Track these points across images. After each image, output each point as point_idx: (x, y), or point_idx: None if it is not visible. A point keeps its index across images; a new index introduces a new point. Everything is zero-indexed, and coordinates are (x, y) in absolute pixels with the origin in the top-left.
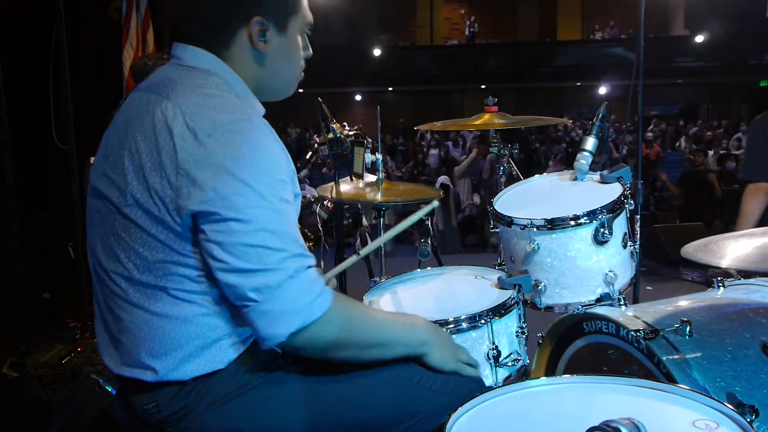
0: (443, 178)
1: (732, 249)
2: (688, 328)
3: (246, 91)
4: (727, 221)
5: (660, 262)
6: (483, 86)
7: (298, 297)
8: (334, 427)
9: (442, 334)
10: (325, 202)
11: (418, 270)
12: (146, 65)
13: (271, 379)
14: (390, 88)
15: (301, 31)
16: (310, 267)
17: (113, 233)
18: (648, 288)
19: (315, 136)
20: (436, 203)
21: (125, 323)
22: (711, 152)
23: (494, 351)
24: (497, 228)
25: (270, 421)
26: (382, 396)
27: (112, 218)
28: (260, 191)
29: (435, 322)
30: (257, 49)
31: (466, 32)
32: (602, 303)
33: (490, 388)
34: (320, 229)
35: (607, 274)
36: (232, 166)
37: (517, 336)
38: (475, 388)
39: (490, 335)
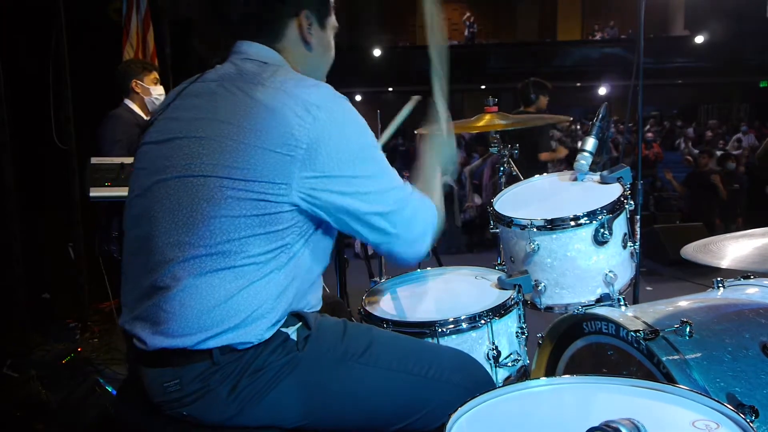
0: (445, 178)
1: (732, 249)
2: (687, 329)
3: None
4: (727, 221)
5: (660, 263)
6: (483, 86)
7: (426, 220)
8: (343, 417)
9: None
10: None
11: (418, 270)
12: (129, 68)
13: (283, 364)
14: (390, 88)
15: (331, 31)
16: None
17: (190, 203)
18: (648, 288)
19: None
20: (417, 97)
21: (173, 291)
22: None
23: (494, 351)
24: (497, 228)
25: (276, 407)
26: (391, 388)
27: (190, 190)
28: (368, 147)
29: (435, 322)
30: (307, 41)
31: (466, 32)
32: (602, 303)
33: (493, 387)
34: None
35: (607, 274)
36: (347, 129)
37: (517, 336)
38: (484, 381)
39: (490, 335)
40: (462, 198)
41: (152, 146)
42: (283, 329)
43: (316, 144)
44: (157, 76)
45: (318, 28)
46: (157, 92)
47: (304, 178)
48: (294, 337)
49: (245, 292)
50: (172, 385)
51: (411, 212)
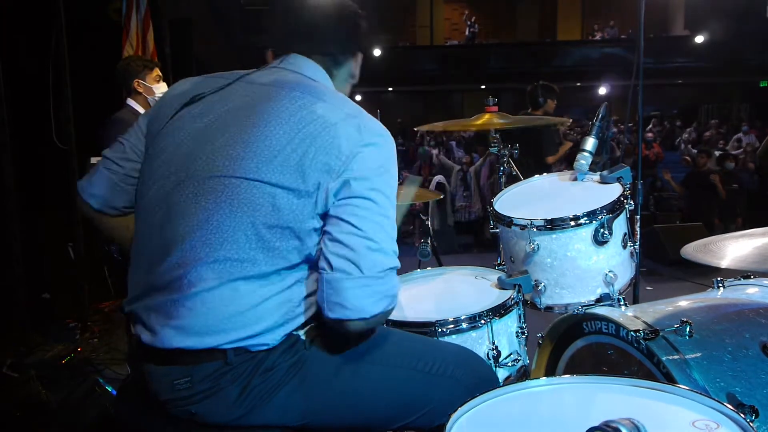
0: (439, 178)
1: (732, 249)
2: (687, 329)
3: None
4: (726, 221)
5: (660, 262)
6: (483, 86)
7: (394, 285)
8: (347, 415)
9: None
10: None
11: (418, 270)
12: (129, 66)
13: (292, 363)
14: (390, 88)
15: None
16: None
17: (228, 205)
18: (648, 288)
19: None
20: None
21: (197, 289)
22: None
23: (494, 351)
24: (497, 228)
25: (283, 406)
26: (395, 385)
27: (229, 191)
28: (393, 189)
29: (435, 322)
30: (354, 77)
31: (467, 32)
32: (602, 303)
33: (497, 383)
34: None
35: (607, 274)
36: (386, 164)
37: (517, 336)
38: (488, 377)
39: (490, 335)
40: (468, 198)
41: (182, 137)
42: (295, 332)
43: (353, 156)
44: (160, 73)
45: (357, 65)
46: (161, 90)
47: (332, 184)
48: (303, 337)
49: (270, 301)
50: (182, 382)
51: (390, 267)
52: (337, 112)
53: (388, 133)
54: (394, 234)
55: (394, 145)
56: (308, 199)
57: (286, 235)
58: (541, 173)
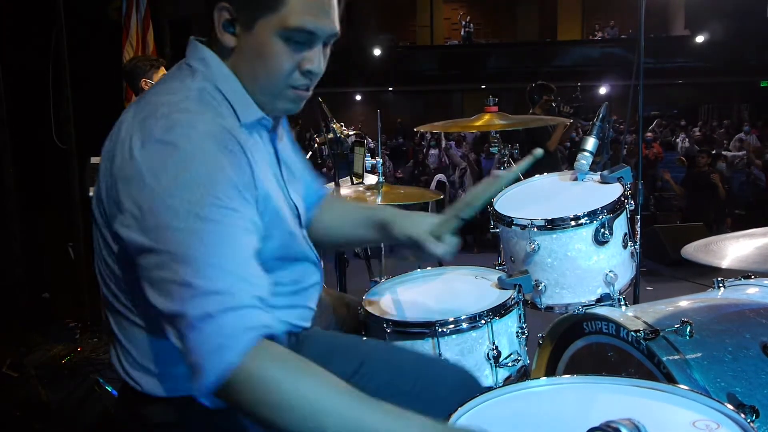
0: (439, 176)
1: (732, 249)
2: (688, 329)
3: (235, 89)
4: (717, 221)
5: (660, 262)
6: (483, 86)
7: (203, 346)
8: None
9: None
10: None
11: (418, 270)
12: (136, 66)
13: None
14: (390, 88)
15: (282, 36)
16: (237, 308)
17: (97, 243)
18: (648, 288)
19: (315, 136)
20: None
21: (114, 329)
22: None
23: (494, 351)
24: (497, 228)
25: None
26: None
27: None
28: (176, 208)
29: (435, 322)
30: (221, 40)
31: (462, 32)
32: (602, 303)
33: (490, 389)
34: None
35: (607, 274)
36: (153, 181)
37: (518, 336)
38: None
39: (490, 335)
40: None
41: None
42: None
43: (122, 179)
44: (166, 72)
45: (243, 30)
46: None
47: (115, 215)
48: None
49: (161, 341)
50: (147, 413)
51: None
52: (132, 122)
53: (174, 124)
54: (186, 273)
55: (184, 140)
56: (108, 235)
57: (123, 267)
58: (548, 160)
